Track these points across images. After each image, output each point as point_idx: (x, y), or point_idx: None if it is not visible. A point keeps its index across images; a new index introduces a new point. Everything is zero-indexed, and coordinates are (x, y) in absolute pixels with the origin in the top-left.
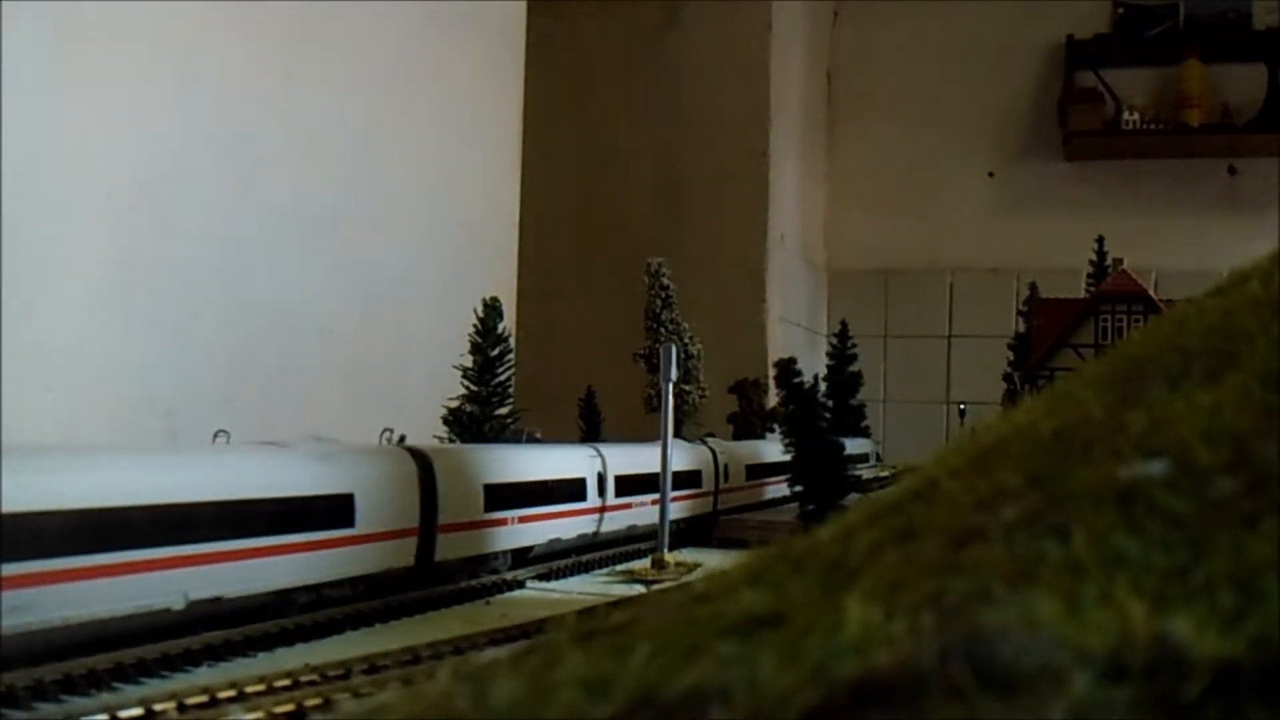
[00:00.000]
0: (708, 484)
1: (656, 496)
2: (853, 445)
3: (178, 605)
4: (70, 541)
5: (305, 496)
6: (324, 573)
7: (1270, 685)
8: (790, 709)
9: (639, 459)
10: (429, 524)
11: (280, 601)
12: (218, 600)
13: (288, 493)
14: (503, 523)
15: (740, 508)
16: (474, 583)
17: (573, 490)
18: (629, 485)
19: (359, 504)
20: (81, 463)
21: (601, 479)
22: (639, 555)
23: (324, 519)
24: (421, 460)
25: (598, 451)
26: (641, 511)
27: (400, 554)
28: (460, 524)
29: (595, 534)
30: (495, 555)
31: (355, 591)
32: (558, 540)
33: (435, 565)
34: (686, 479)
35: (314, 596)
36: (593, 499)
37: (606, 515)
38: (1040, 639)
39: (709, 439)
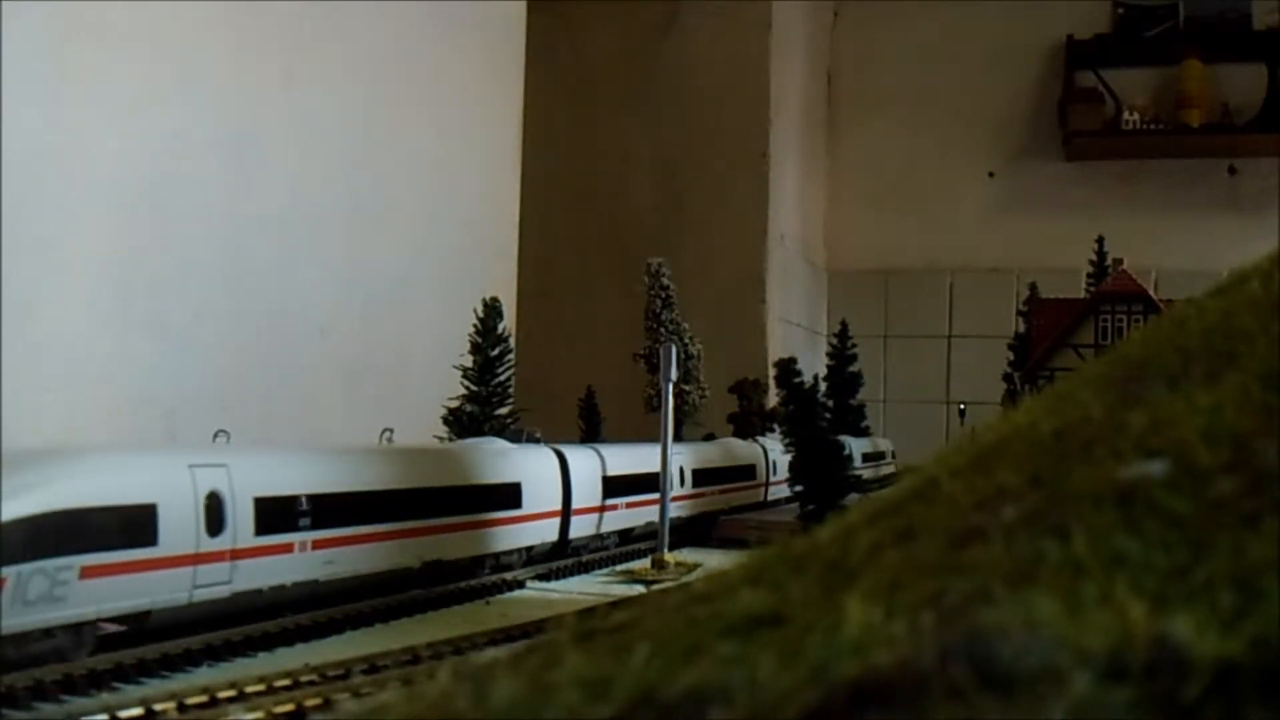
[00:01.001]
0: (760, 477)
1: (722, 487)
2: (871, 443)
3: (415, 565)
4: (355, 514)
5: (493, 484)
6: (504, 544)
7: (1270, 685)
8: (790, 709)
9: (708, 455)
10: (567, 507)
11: (471, 565)
12: (439, 562)
13: (483, 481)
14: (615, 508)
15: (786, 498)
16: (474, 583)
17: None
18: (701, 478)
19: (525, 490)
20: (357, 458)
21: (682, 472)
22: (639, 555)
23: (504, 502)
24: (560, 455)
25: (681, 449)
26: (713, 499)
27: (549, 531)
28: (588, 508)
29: (679, 518)
30: (610, 535)
31: (522, 560)
32: (653, 523)
33: (569, 542)
34: (746, 472)
35: (495, 562)
36: (676, 489)
37: (688, 502)
38: (1040, 639)
39: (759, 438)
